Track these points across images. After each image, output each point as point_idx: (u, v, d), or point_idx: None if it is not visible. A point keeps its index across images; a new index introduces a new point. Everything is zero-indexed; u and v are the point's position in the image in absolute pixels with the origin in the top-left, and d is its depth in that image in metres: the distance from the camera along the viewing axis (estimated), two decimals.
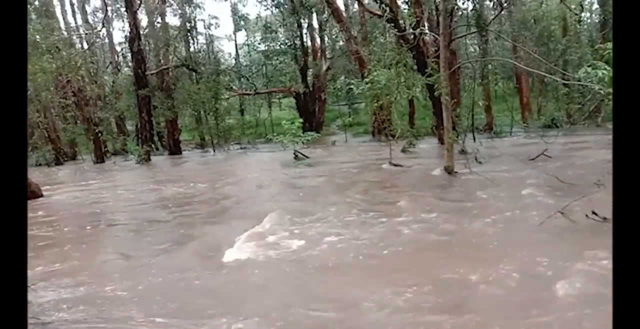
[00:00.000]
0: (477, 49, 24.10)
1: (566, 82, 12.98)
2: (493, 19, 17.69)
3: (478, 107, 19.75)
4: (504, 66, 24.31)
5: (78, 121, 25.11)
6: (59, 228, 8.78)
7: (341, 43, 27.58)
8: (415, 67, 14.86)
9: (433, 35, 15.53)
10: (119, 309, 4.62)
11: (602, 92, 7.92)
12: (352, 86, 16.83)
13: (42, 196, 12.35)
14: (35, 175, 15.27)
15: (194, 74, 25.84)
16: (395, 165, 13.09)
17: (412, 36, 15.33)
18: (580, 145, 13.93)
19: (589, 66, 7.86)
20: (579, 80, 8.28)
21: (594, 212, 6.08)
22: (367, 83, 13.19)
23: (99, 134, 23.53)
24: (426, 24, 17.49)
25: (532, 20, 20.67)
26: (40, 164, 23.67)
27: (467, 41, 25.88)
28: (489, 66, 20.50)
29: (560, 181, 8.68)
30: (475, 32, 17.33)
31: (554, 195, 7.93)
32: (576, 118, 17.61)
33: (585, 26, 24.75)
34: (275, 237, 6.80)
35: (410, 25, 15.39)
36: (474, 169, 10.67)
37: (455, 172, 11.01)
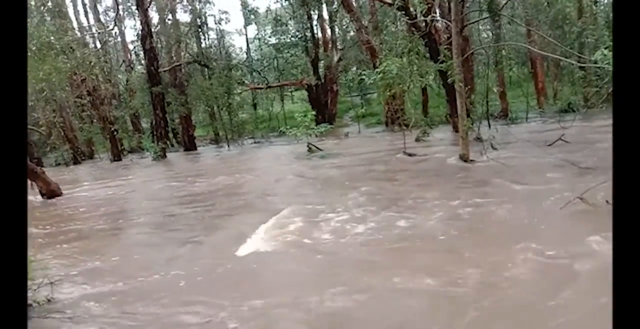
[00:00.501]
0: (490, 34, 23.69)
1: (582, 65, 12.70)
2: (505, 4, 17.34)
3: (492, 94, 19.46)
4: (518, 51, 23.89)
5: (94, 120, 25.40)
6: (83, 224, 8.94)
7: (352, 33, 27.35)
8: (427, 55, 14.66)
9: (445, 22, 15.31)
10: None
11: None
12: (364, 77, 16.72)
13: (61, 194, 12.56)
14: (54, 174, 15.52)
15: (206, 69, 25.90)
16: (409, 155, 13.01)
17: (424, 23, 15.13)
18: (598, 129, 13.64)
19: (605, 48, 7.68)
20: (595, 63, 8.09)
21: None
22: (379, 73, 13.08)
23: (115, 133, 23.80)
24: (437, 10, 17.25)
25: (546, 3, 20.21)
26: (59, 164, 24.08)
27: (480, 27, 25.46)
28: (503, 52, 20.11)
29: (577, 166, 8.56)
30: (487, 17, 17.05)
31: (572, 180, 7.81)
32: (593, 102, 17.23)
33: (602, 7, 24.12)
34: (299, 229, 6.85)
35: (422, 12, 15.15)
36: (489, 156, 10.56)
37: (471, 160, 10.90)
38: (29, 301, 4.72)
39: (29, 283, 4.75)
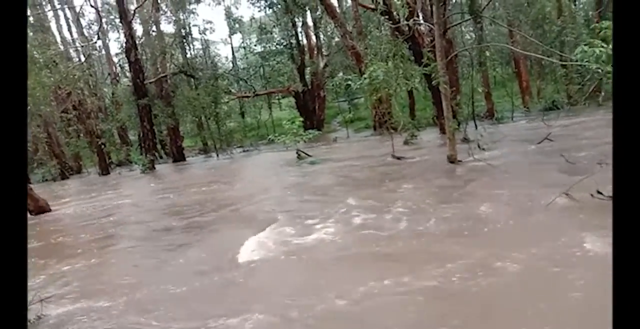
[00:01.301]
0: (473, 36, 23.98)
1: (564, 63, 12.89)
2: (487, 5, 17.58)
3: (478, 94, 19.68)
4: (501, 52, 24.19)
5: (80, 134, 25.23)
6: (71, 240, 8.85)
7: (337, 39, 27.53)
8: (412, 58, 14.80)
9: (428, 25, 15.48)
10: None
11: (600, 70, 7.87)
12: (350, 82, 16.81)
13: (50, 210, 12.44)
14: (42, 191, 15.37)
15: (192, 80, 25.89)
16: (398, 158, 13.07)
17: (407, 27, 15.28)
18: (582, 125, 13.86)
19: (585, 45, 7.80)
20: (576, 61, 8.22)
21: (598, 192, 6.06)
22: (365, 78, 13.17)
23: (102, 146, 23.65)
24: (420, 14, 17.41)
25: (526, 3, 20.53)
26: (46, 180, 23.83)
27: (463, 29, 25.76)
28: (486, 52, 20.38)
29: (568, 161, 8.67)
30: (469, 19, 17.25)
31: (557, 177, 7.90)
32: (576, 99, 17.48)
33: (581, 5, 24.54)
34: (290, 237, 6.83)
35: (404, 16, 15.34)
36: (477, 157, 10.65)
37: (459, 160, 10.98)
38: None
39: None
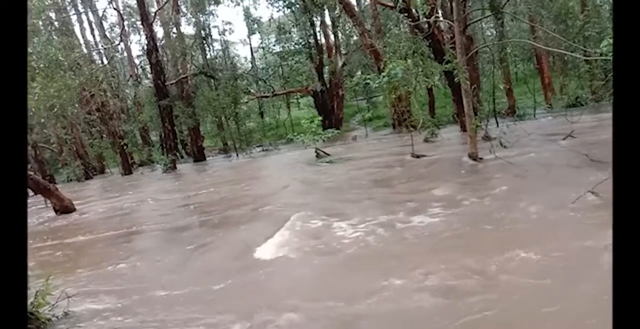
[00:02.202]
0: (494, 32, 23.65)
1: (587, 58, 12.63)
2: (508, 1, 17.31)
3: (499, 91, 19.40)
4: (523, 48, 23.83)
5: (103, 135, 25.72)
6: (96, 238, 9.03)
7: (355, 38, 27.47)
8: (431, 55, 14.67)
9: (448, 22, 15.33)
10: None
11: None
12: (369, 81, 16.75)
13: (75, 210, 12.70)
14: (67, 191, 15.70)
15: (212, 80, 26.14)
16: (417, 156, 12.98)
17: (427, 25, 15.16)
18: (607, 122, 13.51)
19: (610, 38, 7.63)
20: (600, 55, 8.05)
21: None
22: (384, 76, 13.11)
23: (125, 147, 24.06)
24: (440, 11, 17.27)
25: None
26: (71, 180, 24.37)
27: (483, 25, 25.46)
28: (507, 49, 20.08)
29: (588, 160, 8.50)
30: (490, 15, 17.02)
31: (582, 175, 7.74)
32: (601, 95, 17.09)
33: None
34: (309, 235, 6.85)
35: (424, 13, 15.21)
36: (498, 154, 10.51)
37: (480, 158, 10.86)
38: (48, 316, 4.77)
39: (47, 298, 4.80)
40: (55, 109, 17.59)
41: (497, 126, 16.26)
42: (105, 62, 24.82)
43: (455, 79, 11.14)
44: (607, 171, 6.91)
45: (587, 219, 5.65)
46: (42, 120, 20.96)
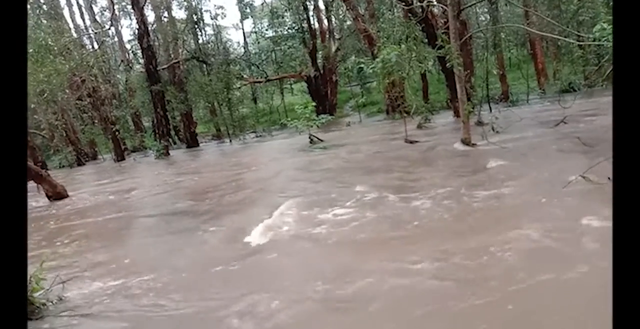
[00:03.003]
0: (488, 17, 23.54)
1: (581, 43, 12.62)
2: None
3: (492, 77, 19.39)
4: (517, 33, 23.75)
5: (95, 121, 25.47)
6: (89, 223, 9.03)
7: (349, 22, 27.21)
8: (425, 40, 14.60)
9: (441, 7, 15.21)
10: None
11: None
12: (363, 66, 16.66)
13: (68, 196, 12.65)
14: (59, 177, 15.64)
15: (204, 65, 25.88)
16: (411, 142, 13.01)
17: (420, 9, 15.05)
18: (599, 108, 13.60)
19: (604, 22, 7.62)
20: (594, 40, 8.05)
21: None
22: (378, 61, 13.05)
23: (117, 133, 23.85)
24: None
25: None
26: (63, 166, 24.21)
27: (477, 10, 25.31)
28: (501, 34, 20.02)
29: (580, 145, 8.56)
30: (484, 0, 16.92)
31: (574, 160, 7.82)
32: (593, 80, 17.13)
33: None
34: (302, 220, 6.89)
35: None
36: (491, 140, 10.56)
37: (473, 144, 10.91)
38: (43, 301, 4.79)
39: (42, 283, 4.82)
40: (46, 95, 17.39)
41: (490, 111, 16.29)
42: (96, 46, 24.46)
43: (448, 64, 11.13)
44: (598, 156, 6.98)
45: (579, 201, 5.73)
46: (33, 105, 20.71)
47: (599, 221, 4.90)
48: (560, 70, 21.02)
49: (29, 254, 5.56)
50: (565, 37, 13.27)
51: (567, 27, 13.66)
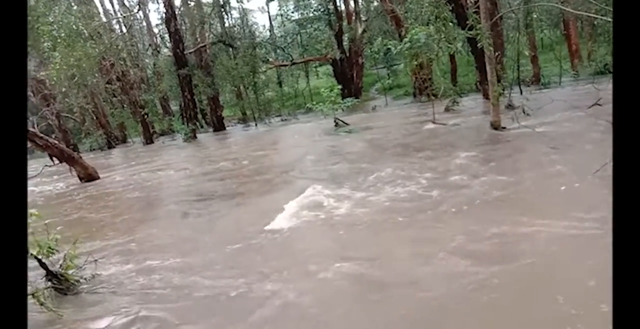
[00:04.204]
0: None
1: None
2: None
3: (523, 59, 18.80)
4: (550, 12, 22.89)
5: (124, 105, 25.93)
6: (119, 204, 9.25)
7: (376, 3, 26.75)
8: (454, 21, 14.22)
9: None
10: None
11: None
12: (390, 47, 16.37)
13: (99, 178, 12.98)
14: (90, 159, 16.04)
15: (230, 49, 25.89)
16: (439, 125, 12.80)
17: None
18: None
19: None
20: None
21: None
22: (405, 42, 12.82)
23: (146, 116, 24.25)
24: None
25: None
26: (93, 149, 24.84)
27: None
28: (533, 14, 19.32)
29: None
30: None
31: (604, 144, 7.55)
32: None
33: None
34: (328, 203, 6.91)
35: None
36: (522, 123, 10.30)
37: (503, 127, 10.66)
38: (77, 278, 4.96)
39: (75, 261, 4.98)
40: (76, 78, 17.73)
41: (521, 94, 15.86)
42: (124, 31, 24.73)
43: (479, 45, 10.84)
44: None
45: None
46: (64, 89, 21.18)
47: None
48: (595, 51, 20.23)
49: (64, 234, 5.75)
50: (602, 15, 12.72)
51: (605, 4, 13.06)
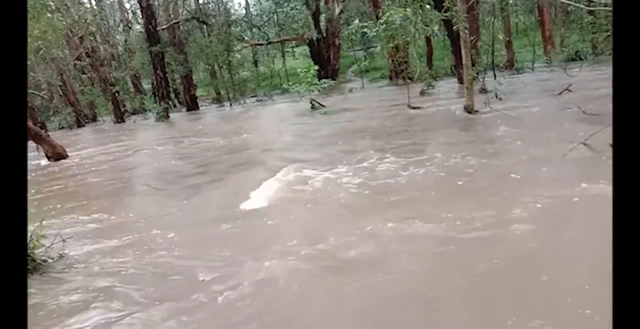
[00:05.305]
0: None
1: (592, 8, 12.27)
2: None
3: (498, 44, 18.98)
4: None
5: (94, 82, 25.15)
6: (89, 183, 9.06)
7: None
8: (431, 3, 14.20)
9: None
10: None
11: None
12: (366, 29, 16.29)
13: (67, 156, 12.65)
14: (58, 137, 15.59)
15: (204, 26, 25.30)
16: (414, 108, 12.88)
17: None
18: (606, 77, 13.37)
19: None
20: (605, 5, 7.82)
21: None
22: (382, 24, 12.75)
23: (116, 94, 23.62)
24: None
25: None
26: (62, 127, 24.13)
27: None
28: None
29: (585, 112, 8.47)
30: None
31: (576, 128, 7.74)
32: (602, 48, 16.78)
33: None
34: (301, 183, 6.90)
35: None
36: (494, 107, 10.45)
37: (476, 111, 10.80)
38: (44, 258, 4.85)
39: (42, 241, 4.86)
40: (42, 52, 17.05)
41: (495, 78, 16.05)
42: (94, 4, 23.88)
43: (454, 28, 10.86)
44: (600, 125, 6.91)
45: (577, 168, 5.72)
46: (29, 63, 20.37)
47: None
48: (568, 37, 20.56)
49: (30, 213, 5.59)
50: (575, 1, 12.89)
51: None
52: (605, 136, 6.16)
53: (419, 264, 3.93)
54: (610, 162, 5.55)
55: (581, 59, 18.23)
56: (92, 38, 23.31)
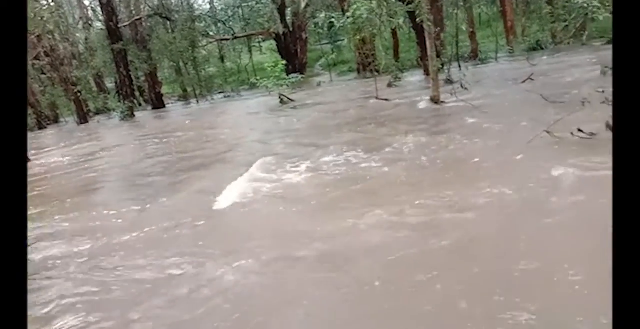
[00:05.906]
0: None
1: None
2: None
3: (462, 35, 19.24)
4: None
5: (55, 83, 24.33)
6: (52, 188, 8.78)
7: None
8: None
9: None
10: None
11: (586, 5, 7.69)
12: (333, 20, 16.24)
13: (29, 160, 12.23)
14: None
15: (168, 22, 24.76)
16: (381, 100, 12.95)
17: None
18: (565, 65, 13.76)
19: None
20: None
21: (579, 130, 6.11)
22: (348, 17, 12.72)
23: (79, 94, 22.90)
24: None
25: None
26: None
27: None
28: None
29: (547, 100, 8.68)
30: None
31: (539, 115, 7.92)
32: (561, 38, 17.21)
33: None
34: (273, 179, 6.85)
35: None
36: (460, 97, 10.60)
37: (442, 101, 10.94)
38: None
39: None
40: None
41: (460, 69, 16.28)
42: (50, 1, 23.06)
43: (418, 20, 10.95)
44: (562, 111, 7.11)
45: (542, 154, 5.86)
46: None
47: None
48: (529, 27, 21.01)
49: None
50: None
51: None
52: (567, 123, 6.36)
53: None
54: (572, 148, 5.73)
55: (542, 49, 18.66)
56: (50, 36, 22.49)
